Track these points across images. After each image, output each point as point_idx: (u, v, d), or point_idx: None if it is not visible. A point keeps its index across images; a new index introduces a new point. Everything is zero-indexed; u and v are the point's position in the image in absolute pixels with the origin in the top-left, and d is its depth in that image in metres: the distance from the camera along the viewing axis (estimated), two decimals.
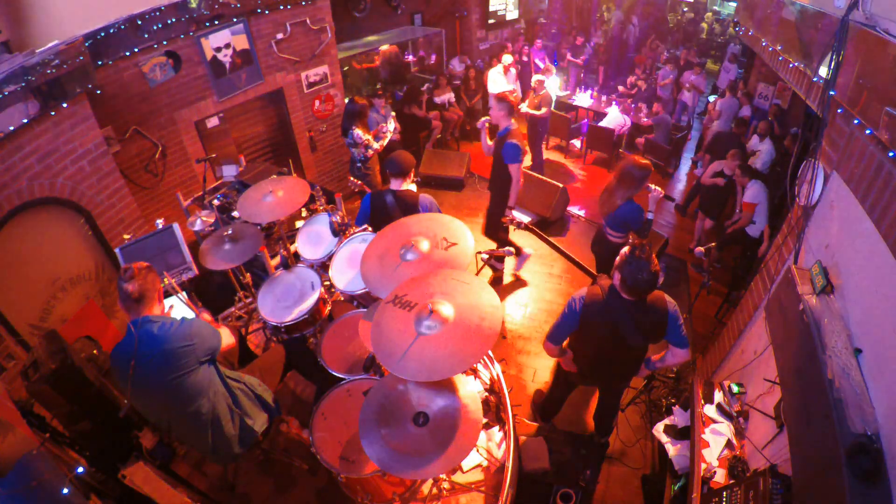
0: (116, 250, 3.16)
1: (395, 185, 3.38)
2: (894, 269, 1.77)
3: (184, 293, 2.73)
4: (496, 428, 2.96)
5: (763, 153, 5.85)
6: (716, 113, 6.99)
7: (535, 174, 6.24)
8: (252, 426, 2.35)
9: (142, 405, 2.19)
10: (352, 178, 4.31)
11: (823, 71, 2.37)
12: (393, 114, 5.73)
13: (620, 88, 8.95)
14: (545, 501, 2.93)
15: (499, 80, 7.01)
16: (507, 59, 7.09)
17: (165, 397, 2.08)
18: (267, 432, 2.50)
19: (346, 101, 5.15)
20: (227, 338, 2.34)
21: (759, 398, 2.70)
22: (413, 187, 3.49)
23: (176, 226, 3.28)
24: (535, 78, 6.80)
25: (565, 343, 2.79)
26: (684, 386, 3.77)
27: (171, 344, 1.99)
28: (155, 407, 2.16)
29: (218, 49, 4.75)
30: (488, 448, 2.85)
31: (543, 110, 6.70)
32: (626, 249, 2.39)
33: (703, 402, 2.88)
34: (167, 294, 2.66)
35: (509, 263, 5.17)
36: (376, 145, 4.85)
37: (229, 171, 4.35)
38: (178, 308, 2.79)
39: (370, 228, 3.24)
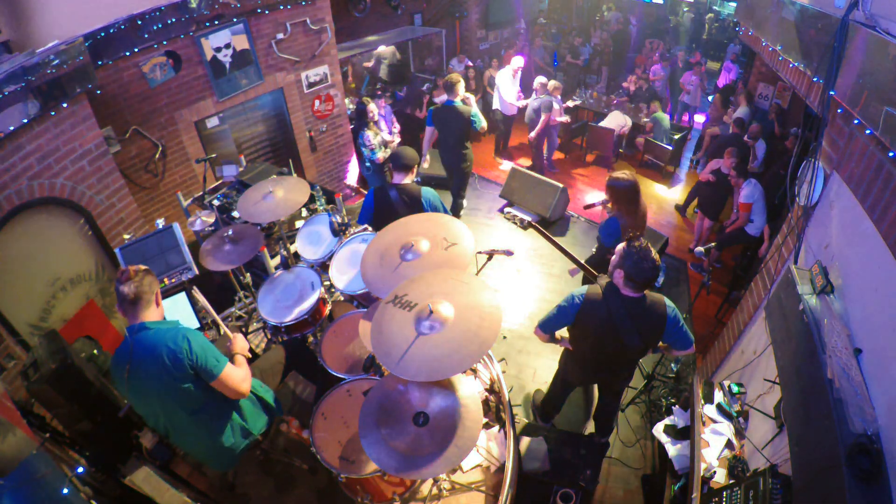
0: (116, 250, 3.16)
1: (398, 179, 3.37)
2: (894, 269, 1.77)
3: (217, 317, 2.70)
4: (496, 428, 2.96)
5: (756, 152, 5.84)
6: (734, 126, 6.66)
7: (534, 174, 6.24)
8: (251, 430, 2.35)
9: (141, 410, 2.18)
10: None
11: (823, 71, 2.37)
12: (393, 117, 5.74)
13: (624, 85, 8.94)
14: (545, 501, 2.93)
15: (508, 83, 7.05)
16: (519, 61, 7.08)
17: (162, 403, 2.07)
18: (267, 432, 2.50)
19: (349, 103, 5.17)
20: (237, 377, 2.13)
21: (759, 398, 2.70)
22: None
23: (176, 226, 3.27)
24: (538, 80, 6.79)
25: (558, 335, 2.81)
26: (684, 386, 3.77)
27: (165, 350, 1.96)
28: (153, 412, 2.15)
29: (218, 49, 4.75)
30: (488, 448, 2.85)
31: (543, 115, 6.69)
32: (621, 245, 2.39)
33: (703, 402, 2.88)
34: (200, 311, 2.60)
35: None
36: (379, 153, 4.87)
37: (229, 171, 4.34)
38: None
39: (370, 228, 3.24)
